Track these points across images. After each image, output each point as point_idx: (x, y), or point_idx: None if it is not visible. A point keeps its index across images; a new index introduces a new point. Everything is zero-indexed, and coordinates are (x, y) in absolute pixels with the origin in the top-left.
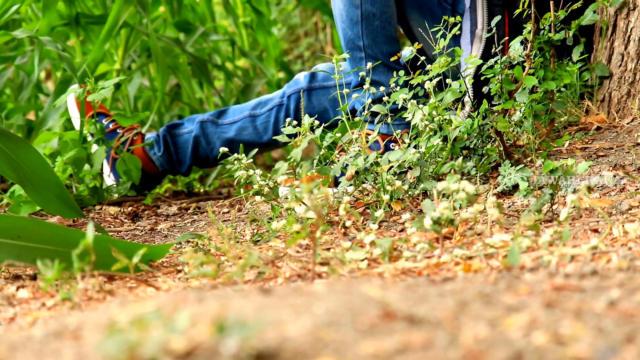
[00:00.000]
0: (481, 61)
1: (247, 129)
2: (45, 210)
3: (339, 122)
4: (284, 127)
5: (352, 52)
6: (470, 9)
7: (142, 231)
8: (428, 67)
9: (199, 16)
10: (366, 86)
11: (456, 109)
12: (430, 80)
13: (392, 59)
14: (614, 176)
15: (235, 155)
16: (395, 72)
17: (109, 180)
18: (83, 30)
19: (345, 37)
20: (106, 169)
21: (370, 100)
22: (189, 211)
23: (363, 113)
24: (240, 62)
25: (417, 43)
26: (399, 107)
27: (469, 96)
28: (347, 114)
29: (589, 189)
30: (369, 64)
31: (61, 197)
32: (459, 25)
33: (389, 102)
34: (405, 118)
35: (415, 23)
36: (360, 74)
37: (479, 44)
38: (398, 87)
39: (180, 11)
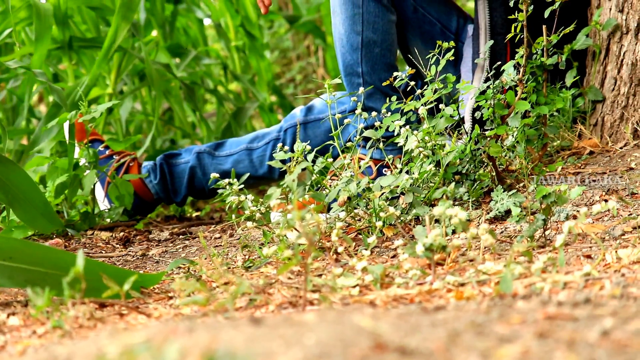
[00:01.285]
0: (474, 86)
1: (243, 162)
2: (30, 227)
3: (332, 148)
4: (276, 152)
5: (350, 77)
6: (473, 37)
7: (133, 257)
8: (419, 91)
9: (191, 40)
10: (358, 111)
11: (450, 134)
12: (424, 105)
13: (384, 84)
14: (606, 201)
15: (228, 180)
16: (387, 98)
17: (103, 205)
18: (76, 54)
19: (344, 62)
20: (100, 194)
21: (362, 125)
22: (180, 236)
23: (355, 138)
24: (232, 85)
25: (409, 68)
26: (394, 133)
27: (466, 125)
28: (340, 139)
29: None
30: (361, 89)
31: (45, 213)
32: (452, 50)
33: (381, 128)
34: (397, 143)
35: (417, 50)
36: (354, 99)
37: (480, 74)
38: (391, 113)
39: (172, 35)
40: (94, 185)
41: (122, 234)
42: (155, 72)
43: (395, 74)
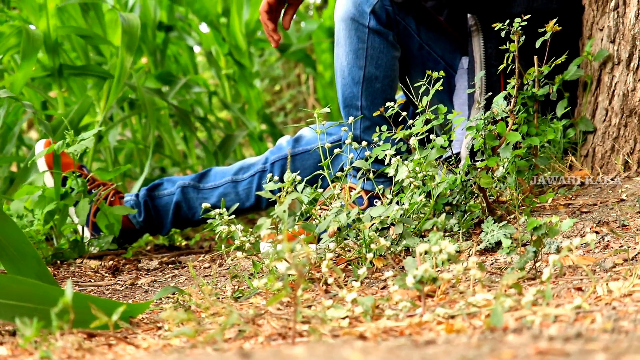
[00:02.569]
0: (467, 119)
1: (229, 195)
2: None
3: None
4: (265, 182)
5: (349, 109)
6: (468, 69)
7: (122, 286)
8: (410, 122)
9: (181, 68)
10: (348, 140)
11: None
12: (415, 135)
13: (375, 114)
14: (597, 233)
15: (218, 210)
16: (378, 128)
17: (86, 232)
18: (65, 82)
19: (343, 94)
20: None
21: (352, 155)
22: (169, 266)
23: (346, 167)
24: (222, 113)
25: (400, 97)
26: (385, 164)
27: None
28: (330, 170)
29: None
30: (351, 118)
31: (40, 274)
32: (441, 80)
33: (371, 157)
34: (388, 174)
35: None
36: (344, 129)
37: (477, 106)
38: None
39: (163, 62)
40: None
41: (111, 262)
42: (148, 100)
43: (387, 104)
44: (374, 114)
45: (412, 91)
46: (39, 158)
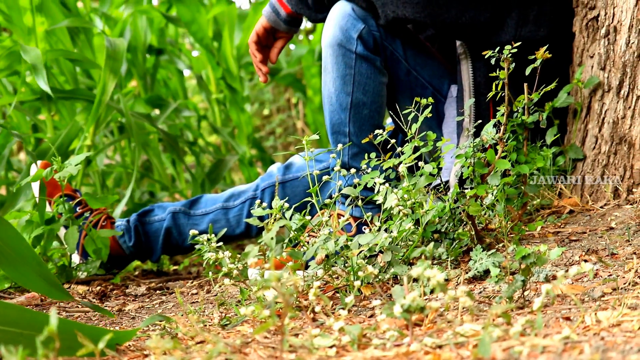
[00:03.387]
0: (455, 146)
1: (219, 222)
2: (26, 287)
3: (311, 206)
4: (254, 209)
5: (337, 136)
6: (457, 97)
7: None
8: (399, 149)
9: (171, 92)
10: (337, 167)
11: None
12: (404, 162)
13: (364, 141)
14: (586, 261)
15: (205, 236)
16: (367, 154)
17: (75, 258)
18: (54, 105)
19: (331, 121)
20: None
21: (340, 182)
22: (157, 291)
23: (335, 194)
24: (212, 138)
25: (389, 124)
26: (375, 190)
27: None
28: (319, 197)
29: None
30: (340, 146)
31: (42, 274)
32: (430, 107)
33: (360, 185)
34: (376, 201)
35: (405, 111)
36: (333, 156)
37: (466, 134)
38: (371, 170)
39: (153, 86)
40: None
41: (98, 288)
42: (135, 125)
43: (376, 131)
44: (363, 141)
45: (401, 118)
46: (34, 182)
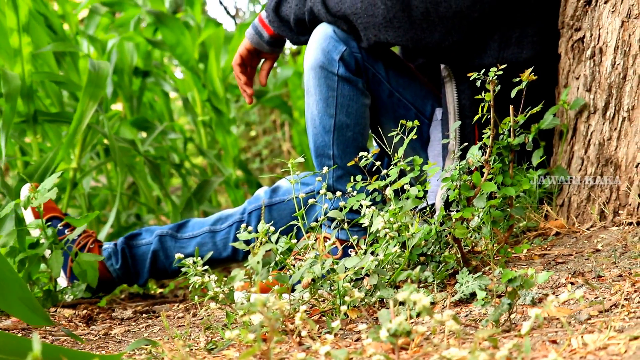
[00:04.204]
0: (441, 169)
1: (206, 245)
2: (7, 312)
3: (298, 229)
4: (239, 232)
5: (321, 159)
6: (442, 120)
7: (96, 336)
8: (384, 172)
9: (157, 114)
10: (323, 191)
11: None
12: (390, 185)
13: (350, 164)
14: (572, 284)
15: (191, 259)
16: (353, 177)
17: (63, 281)
18: (40, 128)
19: (315, 144)
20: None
21: (326, 205)
22: (144, 315)
23: (320, 218)
24: (197, 160)
25: (374, 147)
26: (361, 213)
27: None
28: (305, 220)
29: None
30: (325, 168)
31: (25, 299)
32: (415, 129)
33: (346, 208)
34: (362, 224)
35: (389, 133)
36: (319, 179)
37: (451, 159)
38: (357, 193)
39: (139, 108)
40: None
41: (84, 311)
42: (118, 148)
43: (361, 153)
44: (349, 164)
45: (385, 140)
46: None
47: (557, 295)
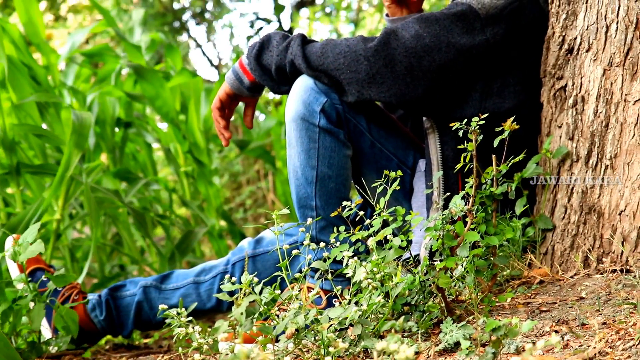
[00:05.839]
0: (424, 218)
1: (190, 296)
2: None
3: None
4: (223, 283)
5: (304, 210)
6: (426, 171)
7: None
8: (368, 221)
9: (140, 165)
10: (306, 242)
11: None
12: (373, 235)
13: (333, 214)
14: (556, 332)
15: (175, 310)
16: (336, 228)
17: (47, 332)
18: (23, 180)
19: (297, 195)
20: (44, 323)
21: (310, 256)
22: None
23: (304, 268)
24: (181, 210)
25: (358, 198)
26: (344, 264)
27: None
28: (289, 271)
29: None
30: (310, 220)
31: (6, 353)
32: (398, 179)
33: (329, 258)
34: (346, 274)
35: (371, 184)
36: (302, 229)
37: (435, 207)
38: (340, 243)
39: (122, 159)
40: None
41: None
42: (94, 202)
43: (344, 204)
44: (331, 215)
45: (368, 191)
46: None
47: (536, 343)
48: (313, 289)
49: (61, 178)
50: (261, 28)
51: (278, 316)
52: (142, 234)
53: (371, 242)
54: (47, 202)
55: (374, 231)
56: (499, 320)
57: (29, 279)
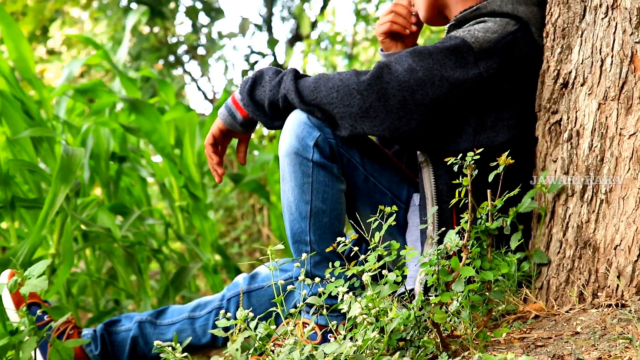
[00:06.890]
0: (419, 253)
1: (185, 331)
2: None
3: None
4: (218, 319)
5: (298, 245)
6: (420, 206)
7: None
8: (362, 257)
9: (135, 199)
10: (301, 277)
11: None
12: (368, 271)
13: (328, 249)
14: None
15: (170, 345)
16: (331, 263)
17: None
18: (18, 214)
19: (291, 230)
20: (39, 356)
21: (305, 291)
22: None
23: (299, 304)
24: (176, 245)
25: (353, 233)
26: (339, 299)
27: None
28: (284, 306)
29: None
30: (304, 255)
31: None
32: (394, 214)
33: (324, 294)
34: (341, 309)
35: (366, 218)
36: (297, 265)
37: (429, 245)
38: (335, 279)
39: (116, 194)
40: (35, 351)
41: None
42: (71, 243)
43: (338, 239)
44: (326, 250)
45: (362, 226)
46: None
47: None
48: (308, 324)
49: (48, 211)
50: (256, 62)
51: (273, 352)
52: (132, 271)
53: (366, 278)
54: (36, 236)
55: (368, 267)
56: (495, 355)
57: (28, 310)
